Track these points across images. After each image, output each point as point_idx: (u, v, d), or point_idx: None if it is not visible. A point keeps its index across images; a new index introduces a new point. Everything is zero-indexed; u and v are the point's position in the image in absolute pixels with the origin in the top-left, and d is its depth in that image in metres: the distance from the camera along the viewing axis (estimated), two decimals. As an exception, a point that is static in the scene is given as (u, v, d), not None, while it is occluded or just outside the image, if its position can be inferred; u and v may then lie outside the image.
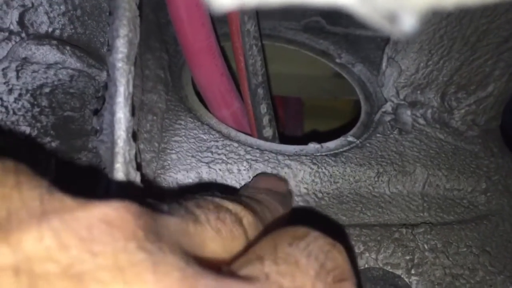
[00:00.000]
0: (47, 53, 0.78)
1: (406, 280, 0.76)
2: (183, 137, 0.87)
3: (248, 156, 0.87)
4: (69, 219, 0.29)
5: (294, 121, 1.68)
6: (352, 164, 0.91)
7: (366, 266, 0.77)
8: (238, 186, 0.85)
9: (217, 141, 0.88)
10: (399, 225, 0.83)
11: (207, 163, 0.84)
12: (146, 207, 0.33)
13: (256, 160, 0.86)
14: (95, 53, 0.82)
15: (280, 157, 0.88)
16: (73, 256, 0.27)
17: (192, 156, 0.84)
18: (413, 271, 0.77)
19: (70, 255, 0.27)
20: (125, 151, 0.53)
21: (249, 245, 0.41)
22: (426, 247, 0.80)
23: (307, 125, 1.76)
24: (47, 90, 0.82)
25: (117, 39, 0.54)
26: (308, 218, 0.84)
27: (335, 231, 0.80)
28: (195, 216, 0.38)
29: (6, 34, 0.78)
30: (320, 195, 0.87)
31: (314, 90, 1.57)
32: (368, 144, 0.96)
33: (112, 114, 0.53)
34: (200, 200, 0.41)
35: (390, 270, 0.77)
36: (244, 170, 0.85)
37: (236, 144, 0.88)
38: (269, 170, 0.86)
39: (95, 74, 0.81)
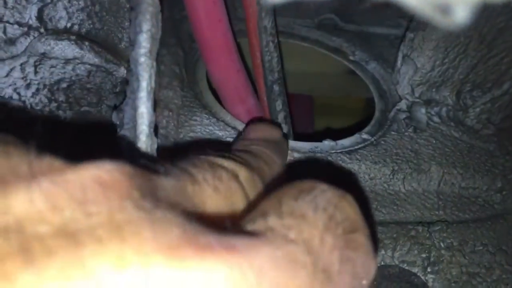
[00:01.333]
0: (65, 48, 0.78)
1: (423, 278, 0.76)
2: (199, 133, 0.87)
3: (263, 153, 0.87)
4: (60, 181, 0.27)
5: (305, 119, 1.68)
6: (367, 161, 0.91)
7: (382, 263, 0.77)
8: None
9: (232, 138, 0.88)
10: (415, 223, 0.83)
11: (223, 159, 0.84)
12: (141, 168, 0.32)
13: (271, 157, 0.86)
14: (112, 49, 0.82)
15: (295, 154, 0.88)
16: (66, 217, 0.26)
17: (208, 152, 0.84)
18: (429, 269, 0.77)
19: (63, 216, 0.26)
20: (147, 145, 0.53)
21: (252, 205, 0.40)
22: (442, 245, 0.80)
23: (318, 124, 1.76)
24: (64, 85, 0.82)
25: (139, 34, 0.54)
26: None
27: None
28: (192, 176, 0.37)
29: (25, 29, 0.78)
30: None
31: (325, 88, 1.57)
32: (383, 142, 0.96)
33: (135, 109, 0.53)
34: (195, 160, 0.40)
35: (407, 268, 0.77)
36: (260, 166, 0.85)
37: (251, 141, 0.88)
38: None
39: (112, 70, 0.81)
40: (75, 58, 0.79)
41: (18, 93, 0.80)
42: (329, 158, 0.89)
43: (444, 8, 0.22)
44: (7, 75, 0.80)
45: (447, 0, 0.21)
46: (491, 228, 0.85)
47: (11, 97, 0.80)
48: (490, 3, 0.22)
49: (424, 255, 0.78)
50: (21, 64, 0.80)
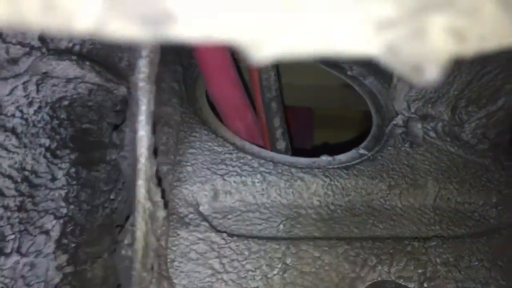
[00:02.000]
0: (67, 68, 0.80)
1: (419, 293, 0.77)
2: (198, 149, 0.89)
3: (261, 169, 0.88)
4: None
5: (304, 131, 1.69)
6: (364, 176, 0.92)
7: (379, 279, 0.78)
8: (252, 198, 0.86)
9: (231, 154, 0.89)
10: (411, 238, 0.84)
11: (221, 175, 0.85)
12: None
13: (269, 173, 0.88)
14: (113, 68, 0.84)
15: (293, 170, 0.90)
16: None
17: (207, 168, 0.86)
18: (425, 285, 0.78)
19: None
20: (147, 168, 0.54)
21: None
22: (438, 260, 0.81)
23: (317, 135, 1.77)
24: (66, 103, 0.84)
25: (139, 59, 0.56)
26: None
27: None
28: None
29: (27, 49, 0.80)
30: (332, 207, 0.89)
31: (324, 100, 1.58)
32: (379, 157, 0.97)
33: (134, 132, 0.55)
34: None
35: (403, 284, 0.78)
36: (258, 182, 0.86)
37: (250, 157, 0.90)
38: (282, 183, 0.87)
39: (113, 88, 0.83)
40: (76, 77, 0.81)
41: (21, 111, 0.82)
42: (327, 174, 0.90)
43: (416, 68, 0.23)
44: (10, 93, 0.81)
45: (418, 60, 0.23)
46: (486, 243, 0.86)
47: (13, 115, 0.81)
48: (460, 57, 0.24)
49: (420, 271, 0.80)
50: (23, 83, 0.81)
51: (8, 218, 0.73)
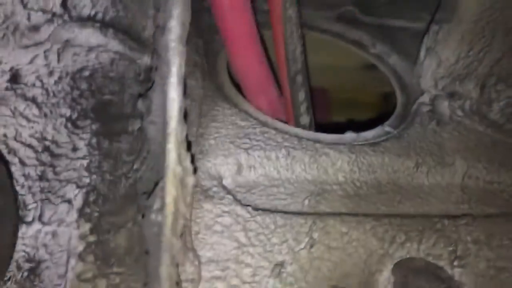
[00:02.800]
0: (89, 36, 0.77)
1: (449, 271, 0.75)
2: (221, 123, 0.86)
3: (286, 143, 0.86)
4: None
5: (321, 113, 1.66)
6: (390, 154, 0.90)
7: (408, 256, 0.75)
8: (276, 173, 0.84)
9: (254, 128, 0.87)
10: (440, 216, 0.82)
11: (245, 149, 0.83)
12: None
13: (294, 148, 0.86)
14: (136, 37, 0.82)
15: (318, 145, 0.87)
16: None
17: (230, 142, 0.84)
18: (455, 263, 0.76)
19: None
20: (177, 131, 0.52)
21: None
22: (468, 239, 0.79)
23: (333, 118, 1.75)
24: (87, 73, 0.82)
25: (170, 19, 0.54)
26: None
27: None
28: None
29: (49, 16, 0.78)
30: (358, 184, 0.86)
31: (342, 82, 1.55)
32: (406, 135, 0.95)
33: (164, 94, 0.53)
34: None
35: (432, 261, 0.75)
36: (282, 157, 0.84)
37: (273, 131, 0.87)
38: (307, 158, 0.85)
39: (136, 58, 0.81)
40: (98, 45, 0.79)
41: (41, 81, 0.80)
42: (352, 150, 0.88)
43: None
44: (30, 62, 0.79)
45: None
46: (517, 222, 0.84)
47: (33, 85, 0.79)
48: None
49: (450, 249, 0.77)
50: (44, 51, 0.79)
51: (30, 187, 0.72)
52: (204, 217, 0.73)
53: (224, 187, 0.78)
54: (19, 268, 0.64)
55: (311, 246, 0.73)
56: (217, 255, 0.69)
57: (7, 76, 0.77)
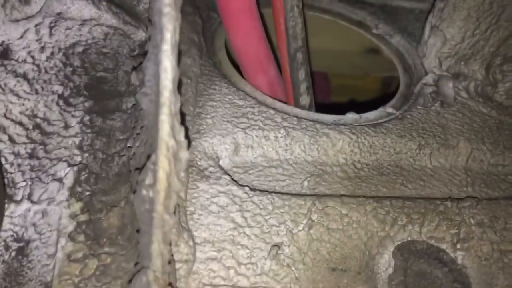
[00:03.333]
0: (82, 8, 0.75)
1: (451, 254, 0.73)
2: (218, 102, 0.84)
3: (285, 124, 0.83)
4: None
5: (320, 97, 1.64)
6: (392, 135, 0.87)
7: (409, 239, 0.73)
8: (274, 154, 0.81)
9: (253, 107, 0.84)
10: (443, 199, 0.79)
11: (243, 128, 0.81)
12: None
13: (293, 128, 0.83)
14: (131, 10, 0.79)
15: (318, 126, 0.85)
16: None
17: (228, 122, 0.81)
18: (458, 246, 0.74)
19: None
20: (171, 102, 0.49)
21: None
22: (472, 221, 0.76)
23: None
24: (80, 49, 0.79)
25: (163, -16, 0.51)
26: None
27: None
28: None
29: (40, -13, 0.75)
30: (359, 165, 0.84)
31: (343, 66, 1.52)
32: (408, 116, 0.92)
33: (157, 63, 0.50)
34: None
35: (435, 244, 0.73)
36: (281, 137, 0.82)
37: (272, 111, 0.85)
38: (306, 139, 0.82)
39: (130, 32, 0.78)
40: (91, 19, 0.76)
41: (32, 56, 0.77)
42: (353, 131, 0.85)
43: None
44: (21, 37, 0.76)
45: None
46: (522, 206, 0.81)
47: (24, 61, 0.77)
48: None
49: (453, 231, 0.75)
50: (36, 25, 0.76)
51: (19, 165, 0.69)
52: (199, 197, 0.70)
53: (221, 167, 0.76)
54: (7, 248, 0.62)
55: (310, 228, 0.71)
56: (212, 235, 0.67)
57: (-4, 51, 0.74)
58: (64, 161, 0.69)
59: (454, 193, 0.83)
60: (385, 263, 0.71)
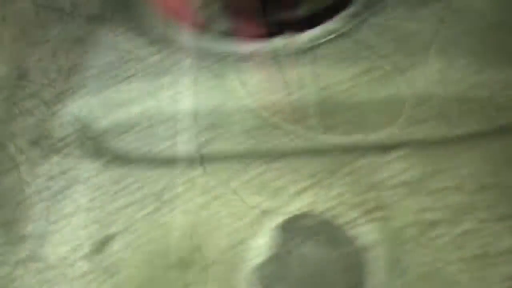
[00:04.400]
0: None
1: (357, 229, 0.54)
2: (100, 48, 0.70)
3: (178, 66, 0.68)
4: None
5: None
6: (325, 62, 0.66)
7: (299, 212, 0.56)
8: (160, 107, 0.67)
9: (140, 49, 0.70)
10: (367, 149, 0.59)
11: (120, 81, 0.67)
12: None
13: (189, 69, 0.67)
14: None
15: (222, 62, 0.67)
16: None
17: (104, 74, 0.68)
18: (369, 217, 0.54)
19: None
20: None
21: None
22: (395, 181, 0.56)
23: None
24: None
25: None
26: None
27: None
28: None
29: None
30: (273, 111, 0.66)
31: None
32: (359, 31, 0.69)
33: None
34: None
35: (336, 216, 0.55)
36: (171, 85, 0.66)
37: (167, 51, 0.69)
38: (204, 82, 0.66)
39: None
40: None
41: None
42: (271, 63, 0.66)
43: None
44: None
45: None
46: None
47: None
48: None
49: (365, 197, 0.55)
50: None
51: None
52: (41, 177, 0.60)
53: (83, 135, 0.64)
54: None
55: (158, 209, 0.57)
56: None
57: None
58: None
59: (384, 140, 0.61)
60: (259, 247, 0.55)
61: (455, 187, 0.54)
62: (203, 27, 0.72)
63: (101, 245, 0.56)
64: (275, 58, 0.67)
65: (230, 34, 0.74)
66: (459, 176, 0.55)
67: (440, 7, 0.69)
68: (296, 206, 0.56)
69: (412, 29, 0.68)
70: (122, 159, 0.62)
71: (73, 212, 0.58)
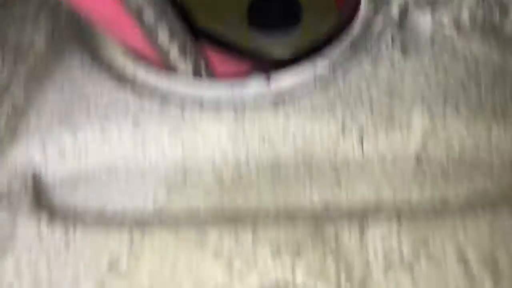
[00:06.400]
0: None
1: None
2: (54, 84, 0.63)
3: (139, 108, 0.60)
4: None
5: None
6: (301, 115, 0.59)
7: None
8: (114, 158, 0.59)
9: (95, 86, 0.62)
10: (352, 215, 0.52)
11: (74, 124, 0.59)
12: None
13: (150, 114, 0.59)
14: None
15: (187, 110, 0.60)
16: None
17: (56, 115, 0.60)
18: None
19: None
20: None
21: None
22: (377, 252, 0.48)
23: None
24: None
25: None
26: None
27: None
28: None
29: None
30: (244, 167, 0.58)
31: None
32: (342, 79, 0.62)
33: None
34: None
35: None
36: (129, 131, 0.59)
37: (125, 90, 0.62)
38: (166, 130, 0.59)
39: None
40: None
41: None
42: (240, 114, 0.59)
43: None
44: None
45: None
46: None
47: None
48: None
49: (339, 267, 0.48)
50: None
51: None
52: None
53: (26, 186, 0.57)
54: None
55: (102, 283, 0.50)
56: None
57: None
58: None
59: (371, 205, 0.53)
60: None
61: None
62: (169, 67, 0.64)
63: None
64: (241, 109, 0.59)
65: (200, 74, 0.66)
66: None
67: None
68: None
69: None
70: (70, 216, 0.54)
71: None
